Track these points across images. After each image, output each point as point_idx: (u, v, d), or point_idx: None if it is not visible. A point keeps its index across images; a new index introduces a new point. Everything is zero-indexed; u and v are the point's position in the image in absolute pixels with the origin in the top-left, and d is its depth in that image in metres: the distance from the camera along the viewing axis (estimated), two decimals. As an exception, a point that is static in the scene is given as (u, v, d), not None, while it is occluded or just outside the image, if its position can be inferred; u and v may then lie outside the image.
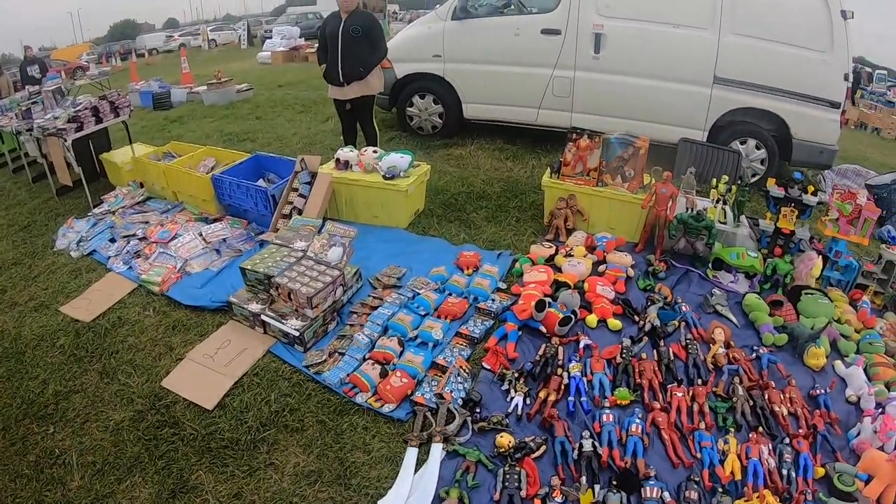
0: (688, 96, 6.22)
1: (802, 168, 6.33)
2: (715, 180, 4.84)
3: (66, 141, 6.06)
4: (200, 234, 5.07)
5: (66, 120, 6.16)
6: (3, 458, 3.20)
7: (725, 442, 2.94)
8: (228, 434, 3.16)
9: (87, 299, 4.56)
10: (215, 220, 5.43)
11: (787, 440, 2.98)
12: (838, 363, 3.58)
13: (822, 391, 3.30)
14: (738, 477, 2.77)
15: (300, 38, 22.48)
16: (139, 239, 5.25)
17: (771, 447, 2.92)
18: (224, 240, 5.07)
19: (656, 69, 6.24)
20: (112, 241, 5.36)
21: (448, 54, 7.12)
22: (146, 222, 5.54)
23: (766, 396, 3.23)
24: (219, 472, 2.96)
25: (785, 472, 2.80)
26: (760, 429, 3.05)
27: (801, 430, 3.05)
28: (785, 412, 3.14)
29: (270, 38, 22.95)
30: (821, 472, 2.82)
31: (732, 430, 3.05)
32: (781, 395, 3.24)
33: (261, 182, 5.62)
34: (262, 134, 8.82)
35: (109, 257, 5.08)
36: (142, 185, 6.31)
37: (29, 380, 3.76)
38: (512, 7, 7.19)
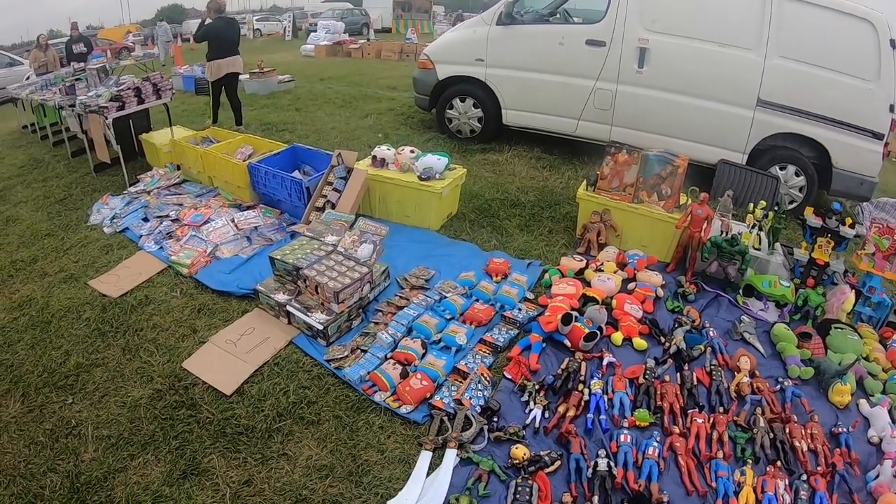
0: (730, 117, 6.12)
1: (841, 199, 6.21)
2: (752, 205, 4.77)
3: (106, 119, 6.16)
4: (233, 220, 5.11)
5: (108, 98, 6.26)
6: (20, 424, 3.23)
7: (742, 473, 2.87)
8: (244, 421, 3.16)
9: (116, 275, 4.62)
10: (248, 208, 5.47)
11: (804, 477, 2.90)
12: (863, 402, 3.46)
13: (845, 430, 3.21)
14: (752, 510, 2.70)
15: (344, 33, 22.61)
16: (172, 220, 5.30)
17: (787, 483, 2.85)
18: (255, 228, 5.11)
19: (699, 88, 6.16)
20: (145, 220, 5.43)
21: (491, 59, 7.11)
22: (180, 204, 5.60)
23: (787, 430, 3.14)
24: (231, 458, 2.96)
25: (799, 509, 2.73)
26: (778, 463, 2.97)
27: (819, 468, 2.96)
28: (805, 448, 3.05)
29: (315, 31, 23.12)
30: (836, 512, 2.75)
31: (750, 461, 2.97)
32: (803, 431, 3.14)
33: (296, 173, 5.64)
34: (301, 126, 8.89)
35: (141, 236, 5.14)
36: (178, 168, 6.39)
37: (52, 349, 3.80)
38: (557, 16, 7.17)
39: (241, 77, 11.94)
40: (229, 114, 8.91)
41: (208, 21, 8.33)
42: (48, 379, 3.55)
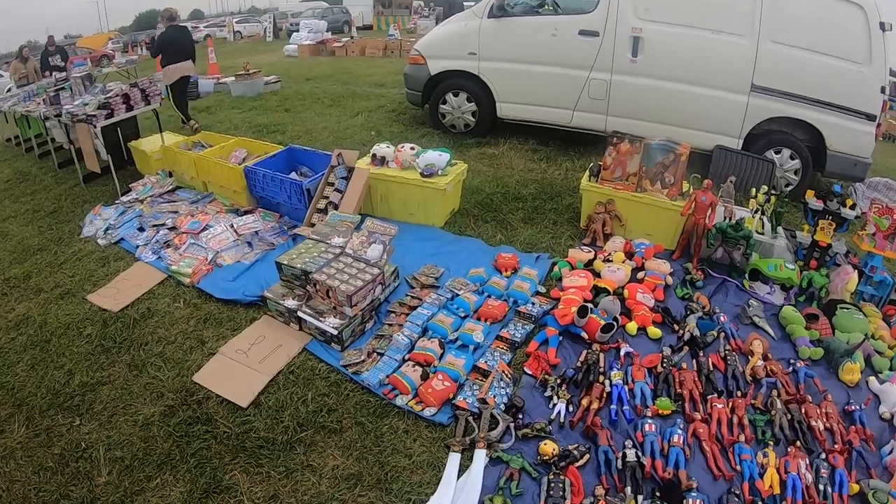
0: (724, 103, 6.13)
1: (835, 180, 6.25)
2: (754, 190, 4.78)
3: (95, 127, 6.05)
4: (232, 226, 5.02)
5: (96, 106, 6.15)
6: (26, 450, 3.13)
7: (765, 455, 2.89)
8: (264, 433, 3.08)
9: (115, 288, 4.50)
10: (246, 213, 5.38)
11: (823, 455, 2.93)
12: (872, 379, 3.50)
13: (858, 407, 3.25)
14: (777, 491, 2.72)
15: (327, 32, 22.60)
16: (169, 229, 5.20)
17: (808, 462, 2.87)
18: (256, 233, 5.01)
19: (693, 75, 6.16)
20: (141, 229, 5.31)
21: (483, 52, 7.07)
22: (176, 212, 5.50)
23: (804, 410, 3.17)
24: (254, 473, 2.88)
25: (821, 487, 2.74)
26: (798, 443, 2.99)
27: (837, 446, 3.00)
28: (822, 427, 3.09)
29: (297, 31, 23.11)
30: (855, 488, 2.77)
31: (771, 443, 3.01)
32: (818, 410, 3.19)
33: (293, 175, 5.56)
34: (292, 127, 8.80)
35: (138, 246, 5.03)
36: (170, 175, 6.29)
37: (54, 369, 3.70)
38: (547, 7, 7.14)
39: (227, 80, 12.01)
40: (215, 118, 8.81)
41: (160, 29, 8.59)
42: (52, 400, 3.44)
